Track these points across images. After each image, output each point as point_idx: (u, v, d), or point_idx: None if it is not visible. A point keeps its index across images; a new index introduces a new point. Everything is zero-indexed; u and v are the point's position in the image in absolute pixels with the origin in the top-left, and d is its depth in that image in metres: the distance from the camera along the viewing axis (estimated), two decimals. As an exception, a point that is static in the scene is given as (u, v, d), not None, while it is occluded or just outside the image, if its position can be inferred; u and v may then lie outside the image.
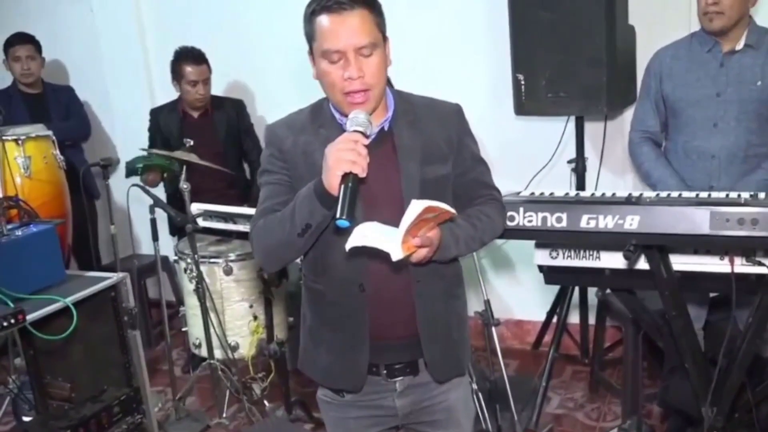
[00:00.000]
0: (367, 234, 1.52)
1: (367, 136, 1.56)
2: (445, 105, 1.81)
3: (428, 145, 1.71)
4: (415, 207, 1.50)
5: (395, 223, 1.55)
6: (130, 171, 3.44)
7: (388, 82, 1.73)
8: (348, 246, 1.53)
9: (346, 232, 1.53)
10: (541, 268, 2.35)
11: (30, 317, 2.24)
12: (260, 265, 1.80)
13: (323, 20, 1.58)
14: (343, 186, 1.50)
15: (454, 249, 1.69)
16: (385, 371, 1.77)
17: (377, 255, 1.54)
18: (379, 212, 1.62)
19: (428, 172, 1.70)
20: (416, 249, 1.57)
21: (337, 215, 1.48)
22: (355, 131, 1.55)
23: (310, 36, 1.63)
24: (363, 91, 1.60)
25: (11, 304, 2.25)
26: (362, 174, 1.51)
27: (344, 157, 1.49)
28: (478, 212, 1.79)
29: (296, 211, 1.60)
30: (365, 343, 1.73)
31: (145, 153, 3.51)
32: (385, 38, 1.65)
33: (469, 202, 1.81)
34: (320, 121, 1.72)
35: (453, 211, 1.58)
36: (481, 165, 1.85)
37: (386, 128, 1.71)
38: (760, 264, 2.04)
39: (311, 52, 1.65)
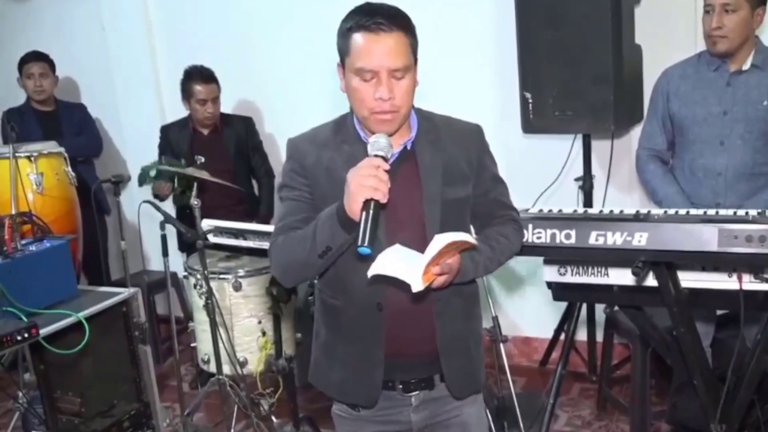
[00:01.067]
0: (390, 262, 1.53)
1: (387, 160, 1.57)
2: (465, 125, 1.82)
3: (450, 165, 1.72)
4: (438, 242, 1.51)
5: (416, 242, 1.56)
6: (143, 177, 3.46)
7: None
8: (370, 274, 1.54)
9: (367, 258, 1.54)
10: (549, 284, 2.36)
11: (43, 331, 2.27)
12: (278, 280, 1.80)
13: (360, 38, 1.59)
14: (364, 213, 1.50)
15: (472, 272, 1.72)
16: (400, 386, 1.78)
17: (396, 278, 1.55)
18: (401, 232, 1.64)
19: (449, 193, 1.71)
20: (436, 277, 1.58)
21: (359, 243, 1.49)
22: (377, 156, 1.56)
23: (344, 50, 1.64)
24: (392, 112, 1.62)
25: (25, 319, 2.27)
26: (383, 200, 1.52)
27: (366, 183, 1.50)
28: (497, 233, 1.80)
29: (317, 233, 1.61)
30: (381, 359, 1.73)
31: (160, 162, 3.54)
32: (416, 61, 1.66)
33: (488, 222, 1.83)
34: (343, 136, 1.73)
35: (475, 242, 1.59)
36: (501, 185, 1.86)
37: (409, 147, 1.72)
38: (769, 281, 2.05)
39: (342, 65, 1.67)
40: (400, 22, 1.62)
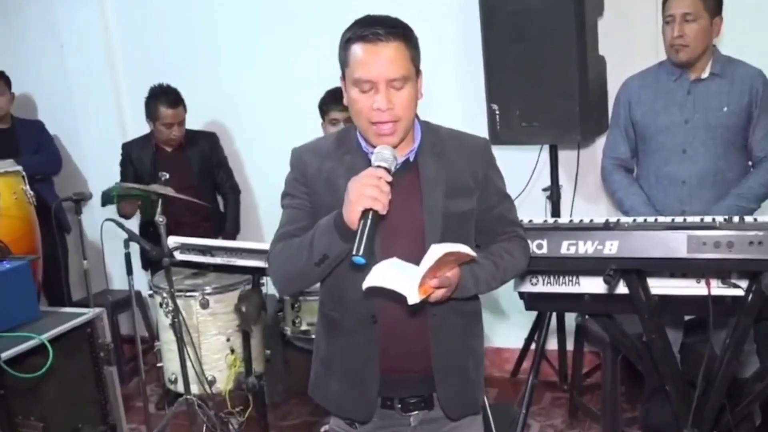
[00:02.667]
0: (385, 274, 1.51)
1: (390, 172, 1.55)
2: (472, 139, 1.82)
3: (453, 179, 1.71)
4: (435, 252, 1.49)
5: (414, 255, 1.54)
6: (106, 200, 3.39)
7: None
8: (365, 285, 1.51)
9: (362, 268, 1.52)
10: (521, 294, 2.37)
11: (4, 355, 2.20)
12: (277, 288, 1.77)
13: (358, 49, 1.59)
14: (362, 222, 1.49)
15: (473, 288, 1.68)
16: (399, 405, 1.76)
17: (392, 291, 1.52)
18: (399, 244, 1.62)
19: (451, 206, 1.69)
20: (434, 290, 1.55)
21: (354, 252, 1.47)
22: (380, 167, 1.54)
23: (344, 62, 1.63)
24: (391, 123, 1.60)
25: (-16, 343, 2.20)
26: (383, 211, 1.51)
27: (366, 193, 1.49)
28: (501, 250, 1.77)
29: (315, 241, 1.60)
30: (376, 374, 1.72)
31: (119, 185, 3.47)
32: (418, 72, 1.65)
33: (494, 238, 1.81)
34: (346, 147, 1.72)
35: (473, 254, 1.57)
36: (507, 201, 1.84)
37: (411, 159, 1.71)
38: (736, 286, 2.09)
39: (343, 77, 1.66)
40: (399, 33, 1.61)
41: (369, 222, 1.49)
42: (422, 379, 1.74)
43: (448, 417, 1.79)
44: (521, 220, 2.24)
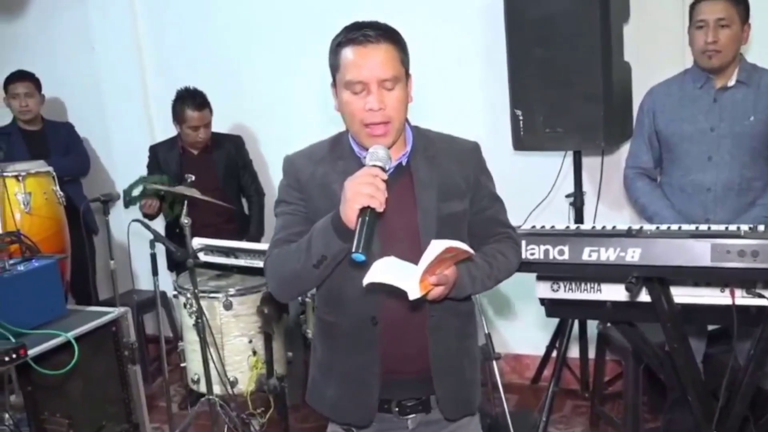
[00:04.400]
0: (385, 270, 1.53)
1: (385, 171, 1.57)
2: (463, 142, 1.83)
3: (446, 182, 1.73)
4: (435, 247, 1.51)
5: (411, 258, 1.56)
6: (129, 200, 3.45)
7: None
8: (365, 281, 1.53)
9: (361, 266, 1.53)
10: (542, 301, 2.36)
11: (31, 352, 2.23)
12: (274, 294, 1.78)
13: (348, 52, 1.61)
14: (360, 220, 1.50)
15: (469, 288, 1.71)
16: (396, 408, 1.77)
17: (392, 289, 1.54)
18: (396, 247, 1.63)
19: (445, 208, 1.71)
20: (433, 287, 1.57)
21: (353, 249, 1.48)
22: (375, 166, 1.56)
23: (335, 67, 1.66)
24: (383, 124, 1.62)
25: (13, 339, 2.24)
26: (380, 208, 1.52)
27: (363, 191, 1.50)
28: (494, 251, 1.80)
29: (312, 243, 1.61)
30: (376, 377, 1.72)
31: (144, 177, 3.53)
32: (408, 75, 1.68)
33: (485, 240, 1.83)
34: (339, 152, 1.74)
35: (471, 251, 1.59)
36: (498, 203, 1.87)
37: (404, 163, 1.73)
38: (761, 296, 2.06)
39: (334, 84, 1.68)
40: (389, 35, 1.64)
41: (367, 219, 1.50)
42: (420, 381, 1.75)
43: (446, 418, 1.79)
44: (542, 226, 2.27)
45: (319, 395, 1.84)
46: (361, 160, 1.67)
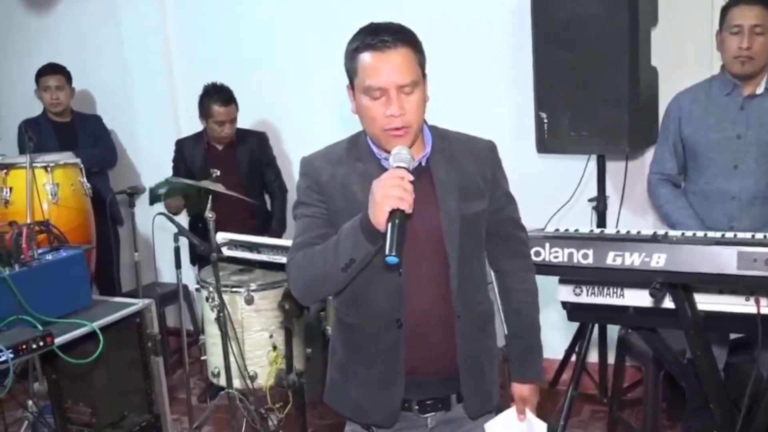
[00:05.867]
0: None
1: (409, 172, 1.57)
2: (479, 141, 1.83)
3: (465, 181, 1.73)
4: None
5: (434, 259, 1.67)
6: (154, 198, 3.48)
7: None
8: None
9: (392, 268, 1.54)
10: (564, 304, 2.36)
11: (58, 341, 2.26)
12: (297, 297, 1.78)
13: (366, 57, 1.61)
14: (390, 222, 1.51)
15: (540, 364, 1.93)
16: (417, 407, 1.77)
17: (414, 290, 1.56)
18: (419, 247, 1.64)
19: (466, 208, 1.71)
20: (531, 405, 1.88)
21: (387, 252, 1.49)
22: (399, 167, 1.56)
23: (352, 72, 1.65)
24: (403, 128, 1.62)
25: (40, 327, 2.27)
26: (409, 210, 1.52)
27: (391, 193, 1.50)
28: (523, 306, 1.91)
29: (340, 245, 1.60)
30: (400, 378, 1.72)
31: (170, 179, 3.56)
32: (424, 75, 1.67)
33: (500, 240, 1.84)
34: (357, 154, 1.74)
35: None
36: (513, 203, 1.87)
37: (423, 164, 1.73)
38: (786, 306, 2.04)
39: (351, 87, 1.68)
40: (406, 38, 1.63)
41: (398, 221, 1.51)
42: (444, 381, 1.76)
43: (469, 416, 1.80)
44: (566, 230, 2.27)
45: (340, 396, 1.84)
46: (380, 161, 1.68)
